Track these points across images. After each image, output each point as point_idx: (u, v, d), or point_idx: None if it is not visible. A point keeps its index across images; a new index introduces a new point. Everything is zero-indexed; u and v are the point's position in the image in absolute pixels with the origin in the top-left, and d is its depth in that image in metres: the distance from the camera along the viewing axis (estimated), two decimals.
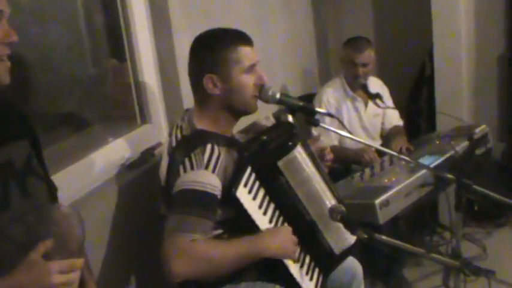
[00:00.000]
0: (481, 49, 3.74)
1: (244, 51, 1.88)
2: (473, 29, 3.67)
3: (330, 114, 2.04)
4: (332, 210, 1.65)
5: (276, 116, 2.09)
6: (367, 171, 2.91)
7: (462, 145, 2.81)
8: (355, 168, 3.19)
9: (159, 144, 2.46)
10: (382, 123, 3.51)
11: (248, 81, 1.89)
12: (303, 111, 1.95)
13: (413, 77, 4.26)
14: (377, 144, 3.42)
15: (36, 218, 1.36)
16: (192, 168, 1.74)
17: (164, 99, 2.59)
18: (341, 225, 1.67)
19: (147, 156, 2.37)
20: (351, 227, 1.63)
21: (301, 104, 1.95)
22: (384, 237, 1.64)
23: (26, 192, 1.43)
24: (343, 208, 1.65)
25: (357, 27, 4.10)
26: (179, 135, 1.89)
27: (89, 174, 2.17)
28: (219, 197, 1.76)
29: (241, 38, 1.90)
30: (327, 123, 2.92)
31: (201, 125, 1.90)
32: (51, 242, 1.26)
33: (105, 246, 2.14)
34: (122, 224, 2.21)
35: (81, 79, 2.35)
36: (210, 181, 1.74)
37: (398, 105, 3.52)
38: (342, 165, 3.26)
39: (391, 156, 2.89)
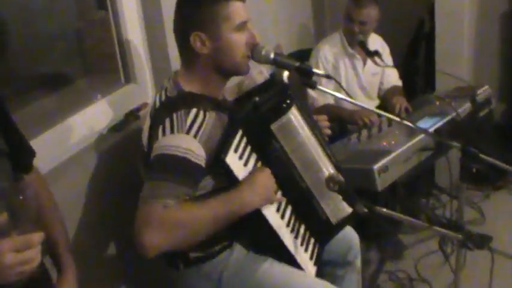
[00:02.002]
0: (484, 5, 3.62)
1: (235, 7, 1.73)
2: None
3: (327, 76, 1.92)
4: (329, 180, 1.55)
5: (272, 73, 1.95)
6: (364, 132, 2.80)
7: (464, 107, 2.70)
8: (352, 128, 3.08)
9: (145, 105, 2.35)
10: (380, 83, 3.38)
11: (239, 40, 1.75)
12: (299, 72, 1.81)
13: (411, 34, 4.11)
14: (375, 104, 3.32)
15: None
16: (172, 131, 1.61)
17: (150, 57, 2.46)
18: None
19: (132, 118, 2.25)
20: (349, 200, 1.53)
21: (297, 64, 1.80)
22: (384, 210, 1.54)
23: None
24: (341, 178, 1.54)
25: None
26: (163, 97, 1.77)
27: (68, 138, 2.07)
28: (202, 165, 1.62)
29: None
30: (323, 82, 2.82)
31: (187, 86, 1.77)
32: (4, 216, 1.13)
33: (85, 215, 2.06)
34: (103, 192, 2.13)
35: (64, 33, 2.25)
36: (191, 147, 1.60)
37: (395, 64, 3.38)
38: (337, 125, 3.15)
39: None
